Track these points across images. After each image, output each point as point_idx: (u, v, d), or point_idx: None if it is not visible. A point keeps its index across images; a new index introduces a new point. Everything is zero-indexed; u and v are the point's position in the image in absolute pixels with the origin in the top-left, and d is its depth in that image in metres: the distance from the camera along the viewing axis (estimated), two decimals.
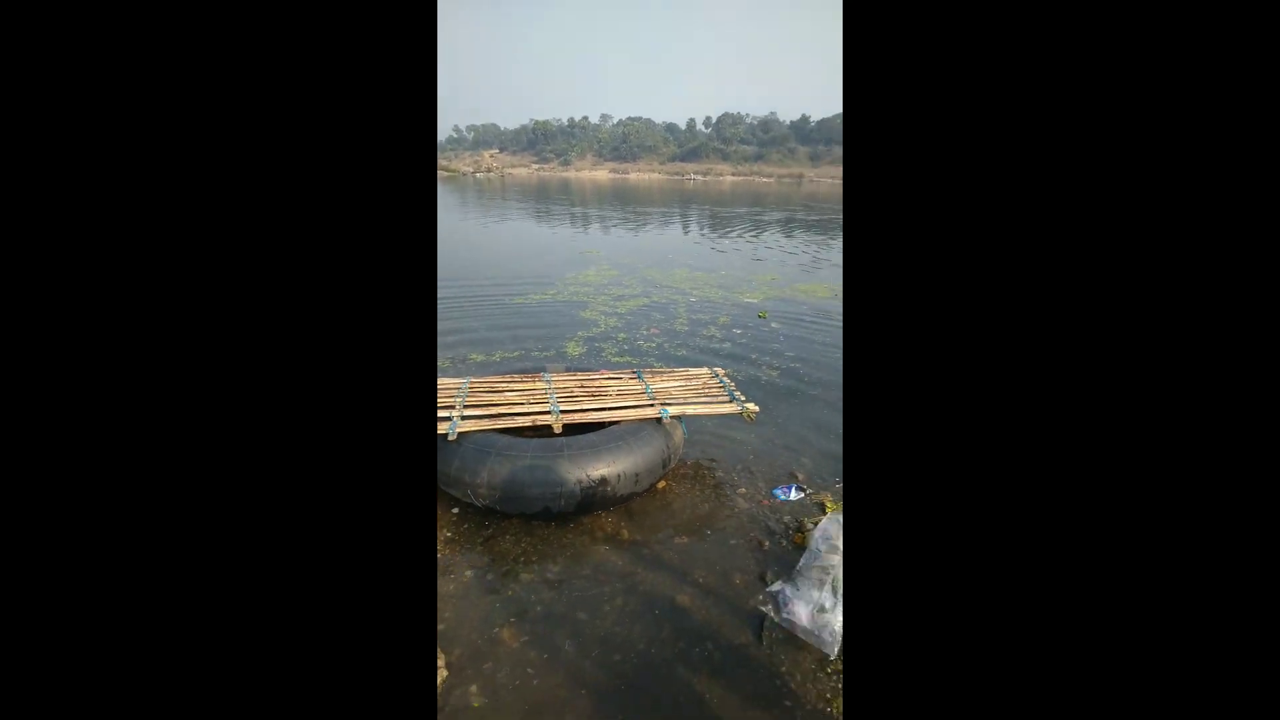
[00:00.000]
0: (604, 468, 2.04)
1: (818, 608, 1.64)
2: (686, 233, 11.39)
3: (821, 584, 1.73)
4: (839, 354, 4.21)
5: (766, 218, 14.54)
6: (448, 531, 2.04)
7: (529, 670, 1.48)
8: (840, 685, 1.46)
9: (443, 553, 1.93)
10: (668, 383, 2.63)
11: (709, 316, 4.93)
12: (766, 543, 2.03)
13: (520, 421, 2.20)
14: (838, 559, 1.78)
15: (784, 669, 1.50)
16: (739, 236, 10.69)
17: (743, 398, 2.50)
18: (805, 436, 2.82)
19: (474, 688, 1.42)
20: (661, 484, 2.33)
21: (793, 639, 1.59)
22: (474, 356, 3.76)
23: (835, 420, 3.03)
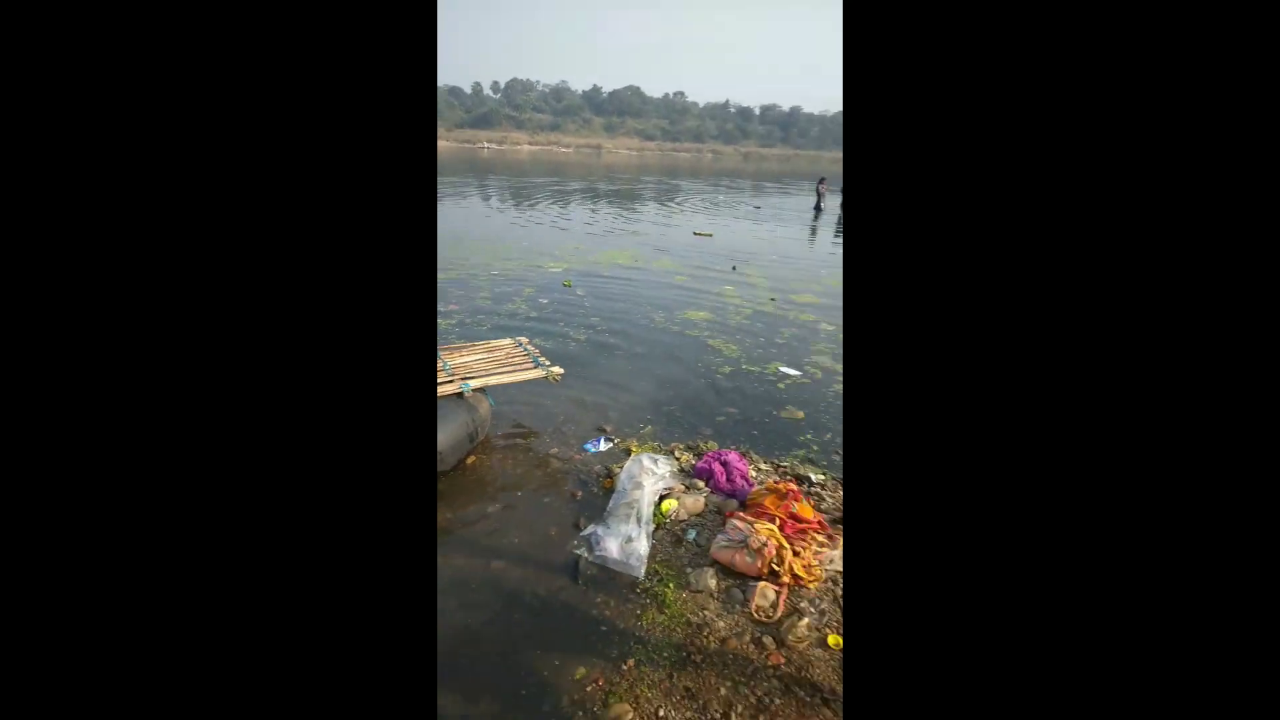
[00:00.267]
0: None
1: (625, 539, 1.79)
2: (487, 203, 10.95)
3: (628, 518, 1.89)
4: (640, 313, 4.50)
5: (568, 188, 14.59)
6: None
7: None
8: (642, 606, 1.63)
9: None
10: (467, 357, 2.56)
11: (513, 289, 4.86)
12: (579, 493, 2.12)
13: None
14: (640, 493, 1.95)
15: (599, 599, 1.61)
16: (542, 208, 10.59)
17: (547, 362, 2.55)
18: (611, 392, 2.99)
19: None
20: (470, 459, 2.29)
21: (605, 571, 1.72)
22: None
23: (638, 373, 3.26)
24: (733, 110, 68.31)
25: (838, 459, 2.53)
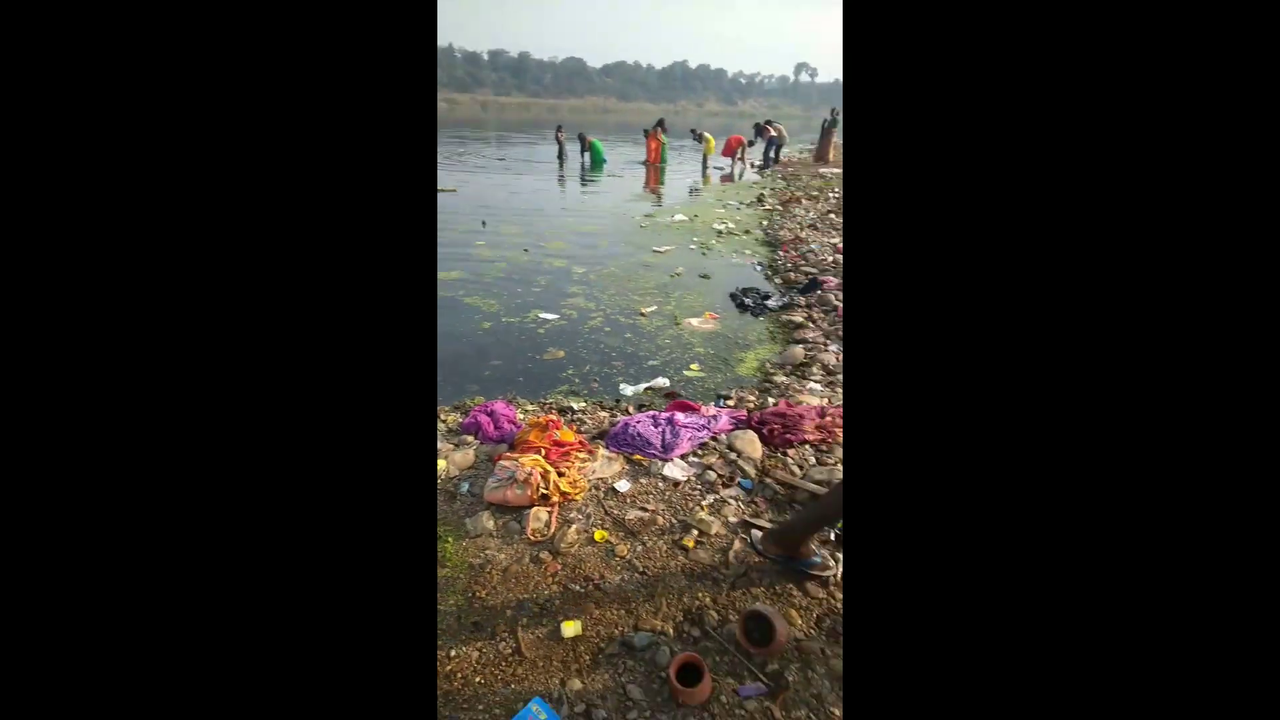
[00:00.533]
0: None
1: None
2: None
3: None
4: None
5: None
6: None
7: None
8: None
9: None
10: None
11: None
12: None
13: None
14: None
15: None
16: None
17: None
18: None
19: None
20: None
21: None
22: None
23: None
24: (458, 55, 63.59)
25: (598, 387, 2.76)
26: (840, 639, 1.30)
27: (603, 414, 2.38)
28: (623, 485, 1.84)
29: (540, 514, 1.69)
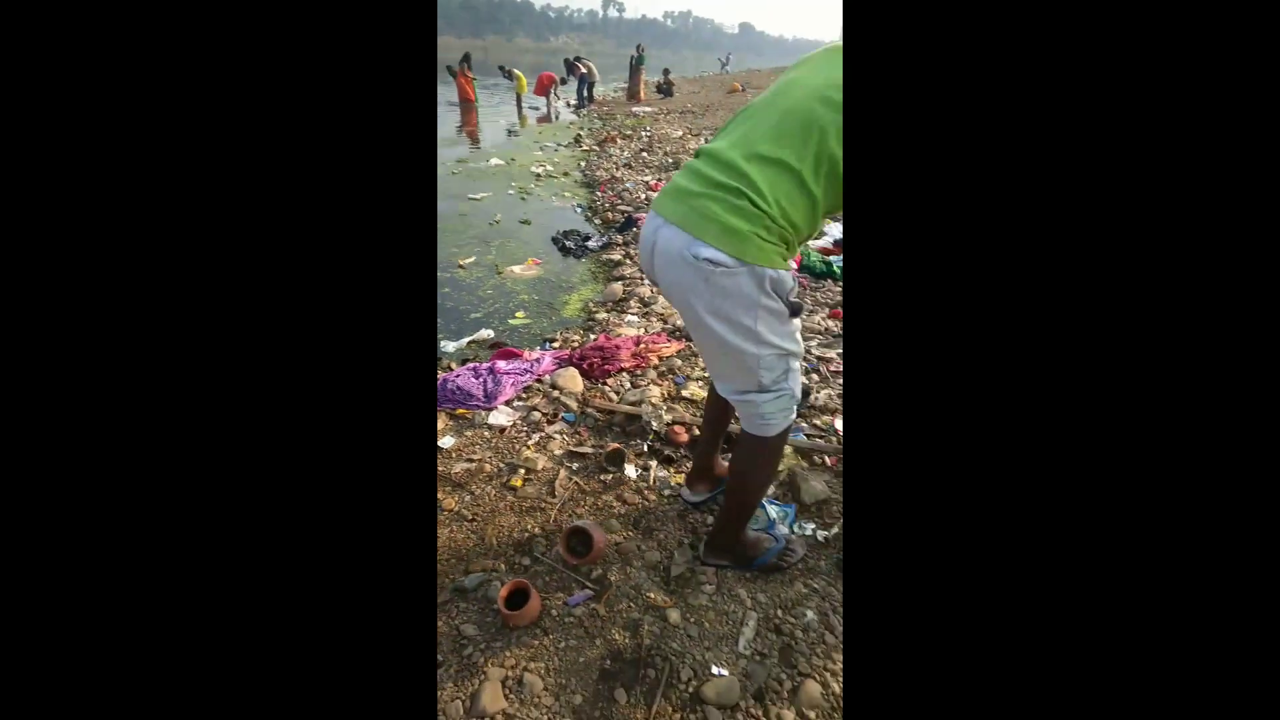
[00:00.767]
0: None
1: None
2: None
3: None
4: None
5: None
6: None
7: None
8: None
9: None
10: None
11: None
12: None
13: None
14: None
15: None
16: None
17: None
18: None
19: None
20: None
21: None
22: None
23: None
24: None
25: None
26: (652, 534, 1.45)
27: None
28: (447, 442, 1.80)
29: None
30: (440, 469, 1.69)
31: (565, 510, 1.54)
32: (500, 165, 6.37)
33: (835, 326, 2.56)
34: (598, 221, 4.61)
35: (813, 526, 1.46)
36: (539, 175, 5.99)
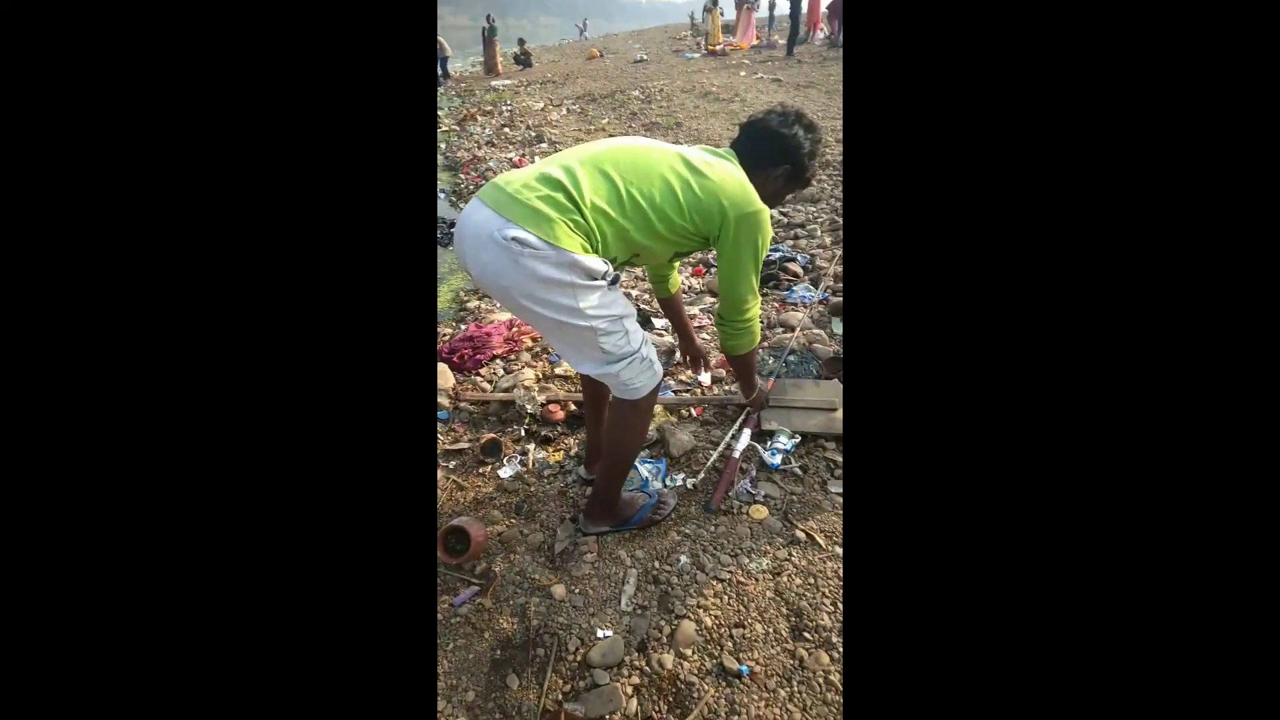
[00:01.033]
0: None
1: None
2: None
3: None
4: None
5: None
6: None
7: None
8: None
9: None
10: None
11: None
12: None
13: None
14: None
15: None
16: None
17: None
18: None
19: None
20: None
21: None
22: None
23: None
24: None
25: None
26: (534, 516, 1.45)
27: None
28: None
29: None
30: None
31: (445, 510, 1.48)
32: None
33: (698, 284, 2.64)
34: (463, 205, 4.38)
35: (682, 476, 1.52)
36: None
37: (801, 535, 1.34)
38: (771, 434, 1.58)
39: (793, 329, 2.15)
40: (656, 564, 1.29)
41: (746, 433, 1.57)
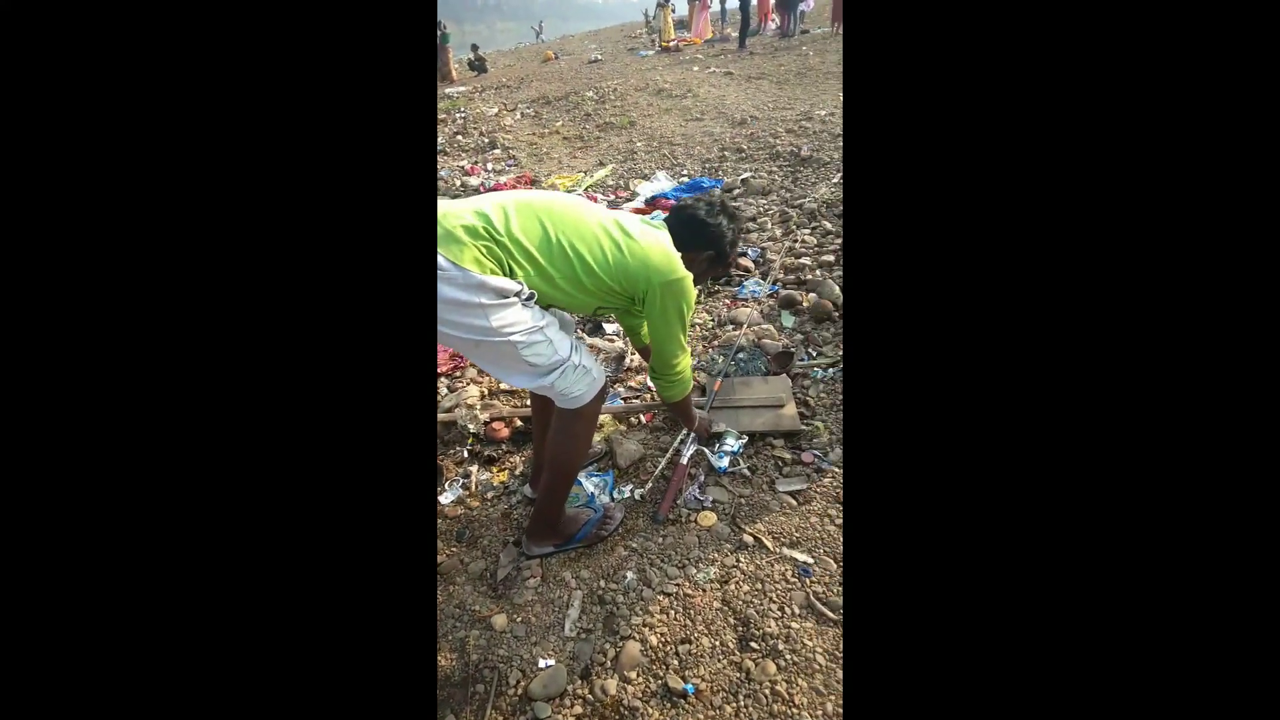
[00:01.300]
0: None
1: None
2: None
3: None
4: None
5: None
6: None
7: None
8: None
9: None
10: None
11: None
12: None
13: None
14: None
15: None
16: None
17: None
18: None
19: None
20: None
21: None
22: None
23: None
24: None
25: None
26: (476, 543, 1.38)
27: None
28: None
29: None
30: None
31: None
32: None
33: None
34: None
35: (630, 487, 1.47)
36: None
37: (749, 539, 1.29)
38: (719, 436, 1.53)
39: (742, 325, 2.10)
40: (602, 583, 1.23)
41: (694, 437, 1.52)
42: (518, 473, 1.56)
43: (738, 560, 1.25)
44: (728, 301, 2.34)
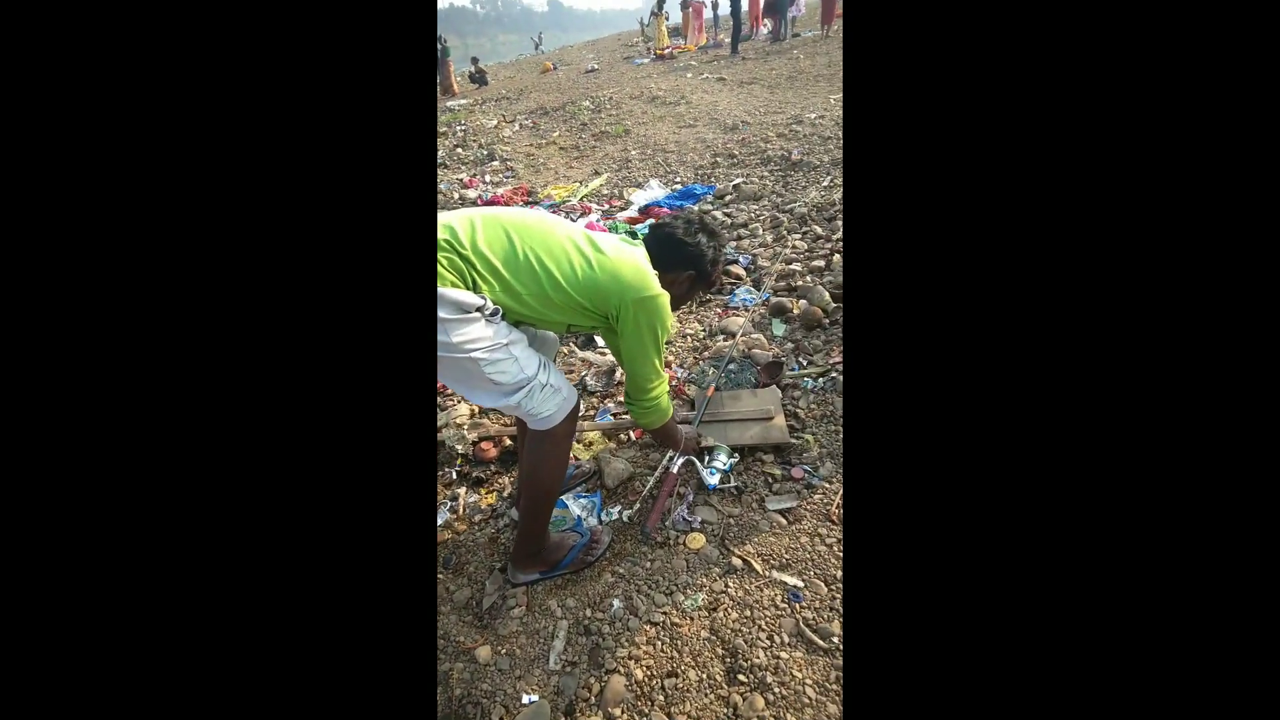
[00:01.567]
0: None
1: None
2: None
3: None
4: None
5: None
6: None
7: None
8: None
9: None
10: None
11: None
12: None
13: None
14: None
15: None
16: None
17: None
18: None
19: None
20: None
21: None
22: None
23: None
24: None
25: None
26: (462, 569, 1.33)
27: None
28: None
29: None
30: None
31: None
32: None
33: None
34: None
35: (619, 508, 1.41)
36: None
37: (739, 562, 1.24)
38: (711, 451, 1.48)
39: (733, 335, 2.05)
40: (588, 612, 1.18)
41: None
42: (505, 494, 1.52)
43: (726, 585, 1.19)
44: (719, 311, 2.29)
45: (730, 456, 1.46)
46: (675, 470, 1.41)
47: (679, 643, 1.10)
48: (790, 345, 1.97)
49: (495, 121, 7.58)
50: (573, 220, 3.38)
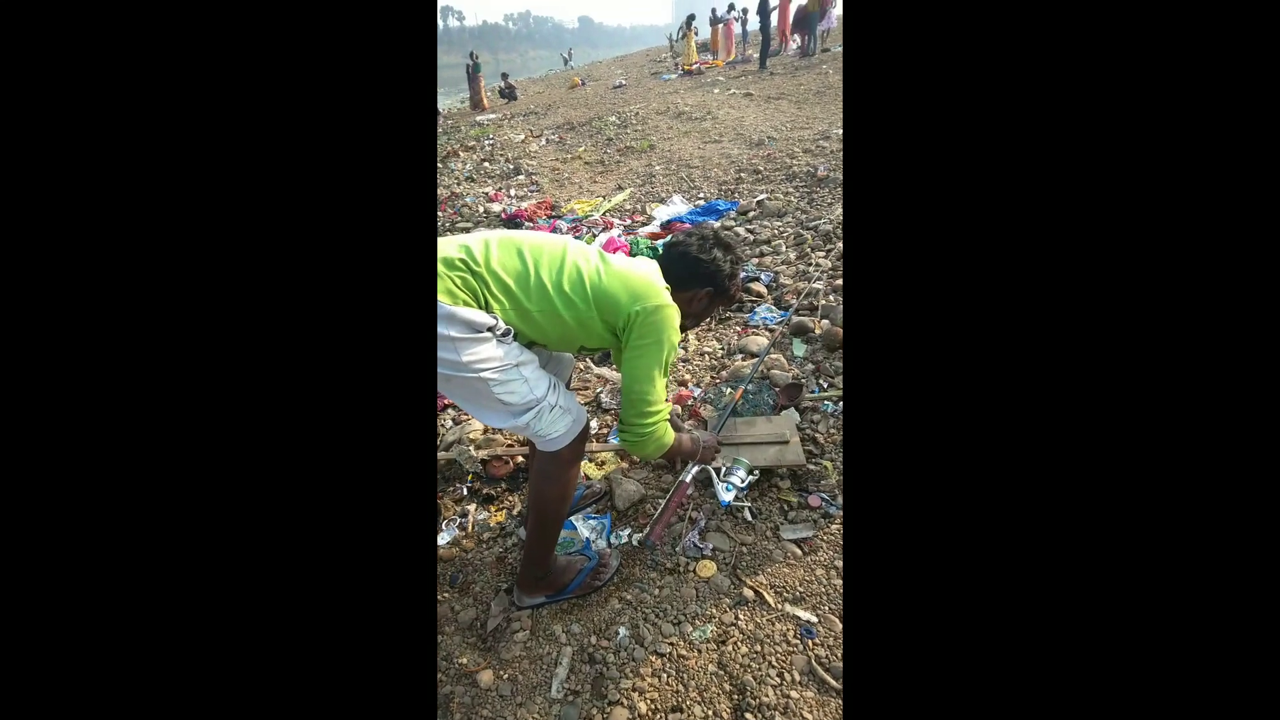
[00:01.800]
0: None
1: None
2: None
3: None
4: None
5: None
6: None
7: None
8: None
9: None
10: None
11: None
12: None
13: None
14: None
15: None
16: None
17: None
18: None
19: None
20: None
21: None
22: None
23: None
24: None
25: None
26: (469, 589, 1.31)
27: None
28: None
29: None
30: None
31: None
32: None
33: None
34: None
35: (629, 531, 1.39)
36: None
37: (750, 593, 1.19)
38: (730, 466, 1.43)
39: (753, 354, 2.01)
40: (593, 639, 1.15)
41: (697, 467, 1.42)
42: (515, 512, 1.50)
43: (736, 617, 1.15)
44: (739, 329, 2.26)
45: (750, 474, 1.41)
46: (689, 479, 1.35)
47: (685, 676, 1.06)
48: (810, 366, 1.92)
49: (523, 136, 7.72)
50: (595, 234, 3.40)
